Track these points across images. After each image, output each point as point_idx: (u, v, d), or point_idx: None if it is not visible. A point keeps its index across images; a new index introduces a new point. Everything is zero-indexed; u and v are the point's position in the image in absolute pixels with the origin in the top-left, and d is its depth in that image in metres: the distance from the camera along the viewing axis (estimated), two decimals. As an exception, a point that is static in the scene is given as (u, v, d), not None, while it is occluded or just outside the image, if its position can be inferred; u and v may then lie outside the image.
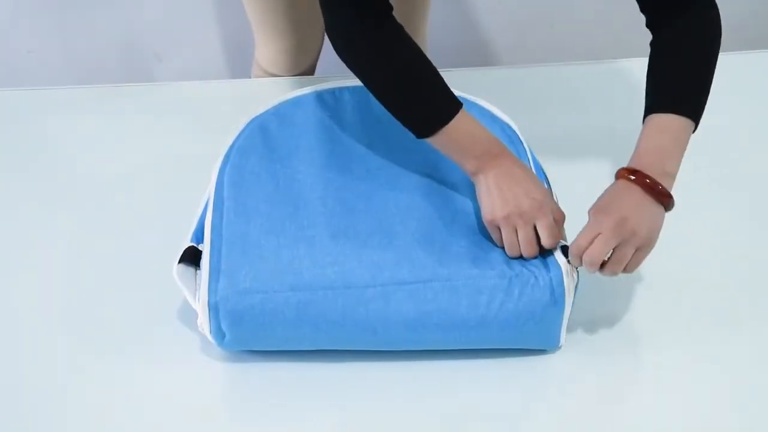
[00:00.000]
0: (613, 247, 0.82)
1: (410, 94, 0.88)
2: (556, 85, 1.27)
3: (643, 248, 0.83)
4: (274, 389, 0.86)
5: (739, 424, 0.84)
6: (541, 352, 0.89)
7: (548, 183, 0.94)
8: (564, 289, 0.84)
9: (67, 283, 0.97)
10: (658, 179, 0.84)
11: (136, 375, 0.87)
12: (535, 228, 0.85)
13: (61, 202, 1.08)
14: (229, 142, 0.96)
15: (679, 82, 0.89)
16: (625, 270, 0.84)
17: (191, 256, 0.88)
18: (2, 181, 1.11)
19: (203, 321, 0.84)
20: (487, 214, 0.86)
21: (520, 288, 0.83)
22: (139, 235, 1.02)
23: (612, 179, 0.90)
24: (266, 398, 0.85)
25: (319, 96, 1.01)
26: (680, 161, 0.87)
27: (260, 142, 0.96)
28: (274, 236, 0.86)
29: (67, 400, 0.85)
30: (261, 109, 0.99)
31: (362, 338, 0.85)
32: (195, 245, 0.89)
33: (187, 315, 0.92)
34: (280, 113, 0.99)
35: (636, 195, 0.84)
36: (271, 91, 1.28)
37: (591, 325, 0.92)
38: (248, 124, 0.97)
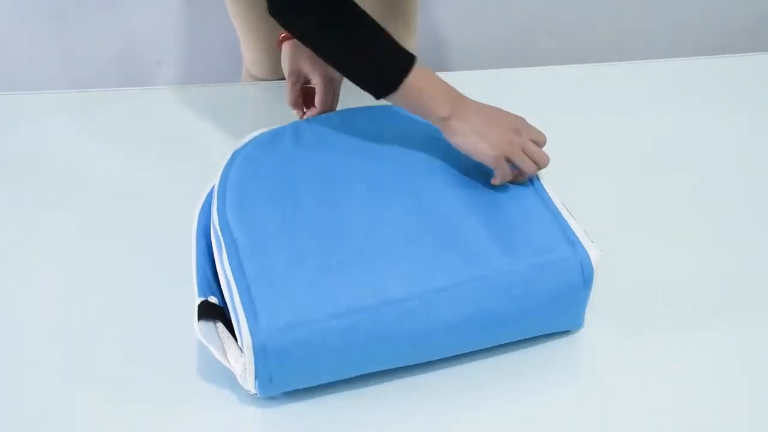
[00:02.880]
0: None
1: (366, 51, 0.89)
2: (553, 86, 1.27)
3: None
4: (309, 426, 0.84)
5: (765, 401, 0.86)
6: (564, 333, 0.91)
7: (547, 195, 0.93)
8: (592, 269, 0.85)
9: (69, 289, 0.95)
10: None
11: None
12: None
13: (59, 207, 1.06)
14: (216, 180, 0.92)
15: None
16: None
17: (206, 311, 0.84)
18: (1, 184, 1.11)
19: (248, 367, 0.79)
20: (489, 150, 0.88)
21: (551, 274, 0.84)
22: (139, 238, 1.02)
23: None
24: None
25: (297, 125, 0.99)
26: None
27: (251, 175, 0.92)
28: (299, 267, 0.83)
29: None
30: (240, 143, 0.96)
31: (409, 352, 0.84)
32: (206, 299, 0.85)
33: (203, 365, 0.88)
34: (263, 143, 0.96)
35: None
36: (260, 95, 1.27)
37: (604, 299, 0.93)
38: (231, 159, 0.94)
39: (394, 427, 0.83)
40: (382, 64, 0.89)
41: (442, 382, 0.86)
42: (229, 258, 0.84)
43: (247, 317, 0.79)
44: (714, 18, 2.05)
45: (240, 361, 0.81)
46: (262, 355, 0.78)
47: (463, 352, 0.87)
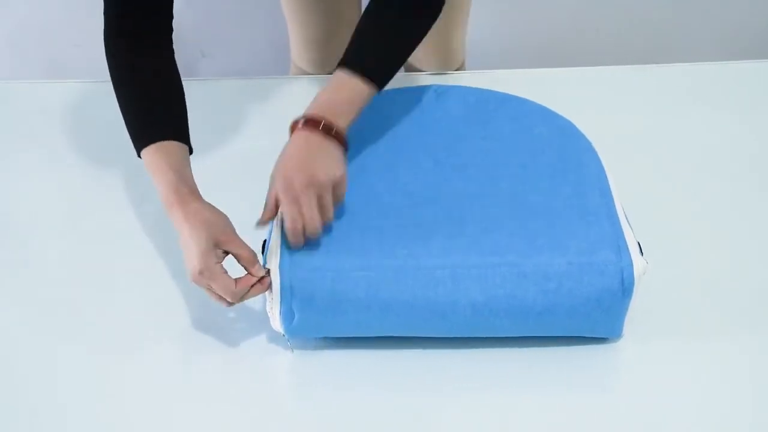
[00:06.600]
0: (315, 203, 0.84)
1: (127, 115, 0.94)
2: (598, 87, 1.26)
3: (338, 189, 0.86)
4: (337, 379, 0.87)
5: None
6: (601, 340, 0.89)
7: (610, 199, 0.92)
8: (634, 279, 0.84)
9: (112, 273, 1.00)
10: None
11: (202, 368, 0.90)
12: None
13: (103, 186, 1.11)
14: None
15: (373, 46, 0.93)
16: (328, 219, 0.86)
17: None
18: (41, 167, 1.14)
19: (274, 304, 0.84)
20: (188, 268, 0.83)
21: (589, 276, 0.84)
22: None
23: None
24: (329, 388, 0.87)
25: (385, 95, 1.02)
26: (351, 119, 0.89)
27: None
28: (344, 223, 0.88)
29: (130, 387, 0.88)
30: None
31: (430, 323, 0.85)
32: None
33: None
34: None
35: (316, 141, 0.86)
36: (306, 89, 1.26)
37: (647, 313, 0.92)
38: None
39: (407, 391, 0.86)
40: (134, 132, 0.93)
41: (466, 362, 0.88)
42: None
43: (281, 255, 0.84)
44: (759, 21, 2.02)
45: (269, 299, 0.85)
46: (285, 293, 0.83)
47: (489, 336, 0.88)
